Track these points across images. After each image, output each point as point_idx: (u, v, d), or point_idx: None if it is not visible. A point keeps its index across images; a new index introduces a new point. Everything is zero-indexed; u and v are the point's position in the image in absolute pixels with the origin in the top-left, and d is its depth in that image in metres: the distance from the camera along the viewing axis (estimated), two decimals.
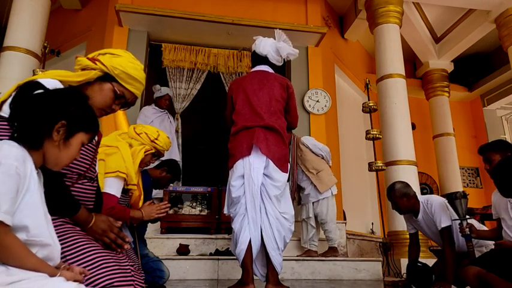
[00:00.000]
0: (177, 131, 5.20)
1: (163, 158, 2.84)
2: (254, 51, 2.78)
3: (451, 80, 7.52)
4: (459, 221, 2.67)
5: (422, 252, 3.49)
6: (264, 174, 2.45)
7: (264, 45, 2.73)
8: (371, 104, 4.84)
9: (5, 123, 1.20)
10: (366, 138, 4.92)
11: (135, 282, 1.35)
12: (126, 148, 2.14)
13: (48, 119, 1.06)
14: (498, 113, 7.94)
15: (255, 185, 2.40)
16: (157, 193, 4.39)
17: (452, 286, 2.68)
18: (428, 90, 7.49)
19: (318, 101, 5.45)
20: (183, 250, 3.76)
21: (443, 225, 2.78)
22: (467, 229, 2.60)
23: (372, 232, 6.19)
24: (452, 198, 2.69)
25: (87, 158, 1.41)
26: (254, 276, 2.42)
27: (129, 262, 1.43)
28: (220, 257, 3.56)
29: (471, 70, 7.86)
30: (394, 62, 5.03)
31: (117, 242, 1.42)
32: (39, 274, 0.95)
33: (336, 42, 6.41)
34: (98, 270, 1.24)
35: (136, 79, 1.48)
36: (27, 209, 0.98)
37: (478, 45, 7.04)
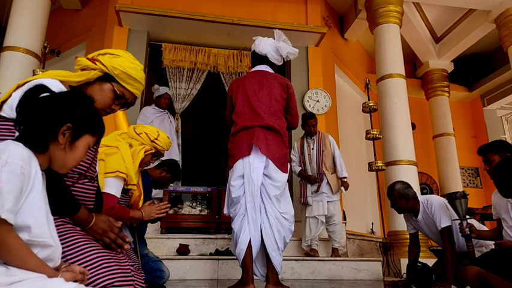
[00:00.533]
0: (177, 131, 5.20)
1: (163, 158, 2.84)
2: (254, 50, 2.78)
3: (451, 80, 7.53)
4: (459, 221, 2.67)
5: (422, 252, 3.48)
6: (263, 174, 2.45)
7: (264, 44, 2.73)
8: (371, 104, 4.84)
9: (5, 123, 1.20)
10: (366, 138, 4.92)
11: (135, 282, 1.35)
12: (126, 148, 2.14)
13: (53, 123, 1.07)
14: (498, 113, 7.94)
15: (255, 185, 2.40)
16: (157, 193, 4.39)
17: (452, 286, 2.68)
18: (428, 90, 7.49)
19: (318, 101, 5.46)
20: (183, 250, 3.76)
21: (443, 225, 2.78)
22: (467, 229, 2.60)
23: (372, 232, 6.19)
24: (452, 198, 2.69)
25: (87, 157, 1.41)
26: (254, 276, 2.42)
27: (129, 262, 1.43)
28: (220, 257, 3.56)
29: (471, 70, 7.86)
30: (394, 62, 5.03)
31: (117, 242, 1.42)
32: (39, 275, 0.95)
33: (336, 42, 6.41)
34: (98, 270, 1.24)
35: (136, 79, 1.48)
36: (30, 208, 0.98)
37: (478, 45, 7.04)
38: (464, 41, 6.54)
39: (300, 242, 4.21)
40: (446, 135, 7.17)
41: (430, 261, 3.22)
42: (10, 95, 1.26)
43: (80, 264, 1.21)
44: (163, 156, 2.57)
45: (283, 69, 5.57)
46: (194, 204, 4.53)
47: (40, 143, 1.05)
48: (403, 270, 3.84)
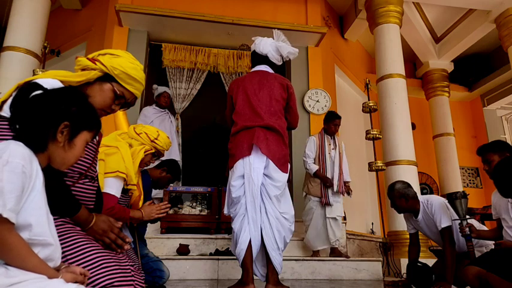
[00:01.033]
0: (177, 131, 5.20)
1: (163, 158, 2.84)
2: (254, 51, 2.78)
3: (451, 80, 7.53)
4: (459, 221, 2.67)
5: (422, 252, 3.48)
6: (264, 174, 2.45)
7: (264, 44, 2.73)
8: (371, 104, 4.84)
9: (6, 122, 1.20)
10: (366, 138, 4.92)
11: (135, 282, 1.35)
12: (126, 148, 2.14)
13: (51, 121, 1.07)
14: (498, 113, 7.94)
15: (255, 185, 2.40)
16: (157, 193, 4.39)
17: (452, 286, 2.68)
18: (428, 90, 7.49)
19: (318, 101, 5.46)
20: (183, 250, 3.76)
21: (443, 225, 2.79)
22: (467, 229, 2.60)
23: (372, 232, 6.19)
24: (452, 198, 2.69)
25: (88, 157, 1.41)
26: (254, 276, 2.42)
27: (129, 262, 1.43)
28: (220, 257, 3.56)
29: (471, 70, 7.86)
30: (394, 62, 5.03)
31: (117, 242, 1.42)
32: (39, 276, 0.95)
33: (336, 42, 6.41)
34: (98, 270, 1.24)
35: (136, 79, 1.48)
36: (32, 207, 0.98)
37: (478, 45, 7.04)
38: (464, 41, 6.54)
39: (301, 241, 4.20)
40: (446, 135, 7.17)
41: (430, 261, 3.22)
42: (10, 95, 1.26)
43: (79, 264, 1.21)
44: (163, 156, 2.57)
45: (283, 69, 5.57)
46: (194, 204, 4.53)
47: (39, 142, 1.05)
48: (403, 270, 3.84)
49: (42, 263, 0.99)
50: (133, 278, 1.34)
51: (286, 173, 2.52)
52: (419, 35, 6.67)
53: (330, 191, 3.97)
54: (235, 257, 2.48)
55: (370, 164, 4.71)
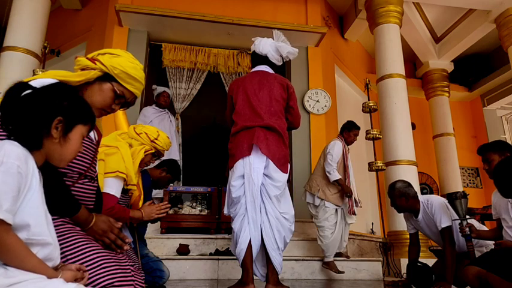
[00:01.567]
0: (177, 131, 5.20)
1: (163, 158, 2.84)
2: (254, 51, 2.78)
3: (451, 80, 7.52)
4: (459, 221, 2.67)
5: (422, 252, 3.48)
6: (264, 174, 2.45)
7: (264, 44, 2.73)
8: (371, 104, 4.84)
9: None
10: (366, 138, 4.92)
11: (135, 282, 1.35)
12: (126, 148, 2.14)
13: (44, 118, 1.06)
14: (498, 113, 7.94)
15: (255, 185, 2.40)
16: (157, 193, 4.39)
17: (452, 286, 2.68)
18: (428, 90, 7.49)
19: (318, 101, 5.46)
20: (183, 250, 3.76)
21: (443, 225, 2.78)
22: (467, 229, 2.60)
23: (372, 232, 6.19)
24: (452, 198, 2.69)
25: (87, 157, 1.41)
26: (254, 276, 2.42)
27: (129, 262, 1.43)
28: (220, 257, 3.56)
29: (471, 70, 7.86)
30: (394, 62, 5.03)
31: (116, 242, 1.41)
32: (38, 276, 0.95)
33: (336, 42, 6.41)
34: (98, 270, 1.24)
35: (136, 79, 1.48)
36: (29, 207, 0.98)
37: (478, 45, 7.04)
38: (464, 41, 6.54)
39: (301, 241, 4.20)
40: (446, 135, 7.17)
41: (430, 261, 3.22)
42: None
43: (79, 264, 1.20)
44: (163, 156, 2.57)
45: (283, 69, 5.57)
46: (194, 204, 4.52)
47: (34, 140, 1.04)
48: (403, 270, 3.84)
49: (41, 263, 0.99)
50: (133, 278, 1.34)
51: (286, 173, 2.51)
52: (419, 35, 6.67)
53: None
54: (235, 257, 2.48)
55: (370, 164, 4.71)
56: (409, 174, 4.45)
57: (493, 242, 2.55)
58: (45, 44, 4.64)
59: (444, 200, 2.88)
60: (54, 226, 1.12)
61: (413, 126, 6.85)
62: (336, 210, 3.80)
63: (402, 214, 3.24)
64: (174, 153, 4.71)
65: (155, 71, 5.66)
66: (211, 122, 7.25)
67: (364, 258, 4.04)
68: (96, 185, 1.49)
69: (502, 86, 7.53)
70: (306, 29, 5.40)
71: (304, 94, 5.42)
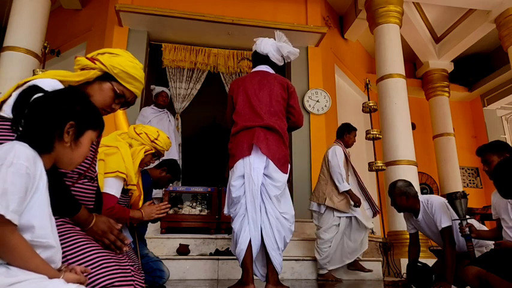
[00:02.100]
0: (177, 131, 5.20)
1: (163, 158, 2.84)
2: (255, 51, 2.78)
3: (451, 80, 7.52)
4: (459, 221, 2.67)
5: (422, 252, 3.48)
6: (264, 174, 2.45)
7: (265, 44, 2.73)
8: (371, 104, 4.84)
9: (5, 123, 1.20)
10: (366, 138, 4.92)
11: (135, 282, 1.35)
12: (126, 148, 2.14)
13: (56, 122, 1.07)
14: (498, 113, 7.94)
15: (255, 185, 2.40)
16: (157, 193, 4.39)
17: (452, 286, 2.68)
18: (428, 90, 7.49)
19: (318, 101, 5.46)
20: (183, 250, 3.76)
21: (443, 226, 2.78)
22: (467, 229, 2.60)
23: (372, 232, 6.18)
24: (452, 198, 2.69)
25: (88, 157, 1.41)
26: (254, 276, 2.42)
27: (129, 262, 1.43)
28: (220, 257, 3.56)
29: (471, 70, 7.86)
30: (394, 62, 5.03)
31: (116, 243, 1.41)
32: (39, 276, 0.95)
33: (336, 42, 6.41)
34: (98, 270, 1.24)
35: (136, 78, 1.48)
36: (35, 209, 0.98)
37: (478, 45, 7.04)
38: (464, 41, 6.54)
39: (301, 241, 4.20)
40: (446, 135, 7.17)
41: (430, 261, 3.22)
42: (10, 95, 1.26)
43: (80, 264, 1.20)
44: (163, 156, 2.57)
45: (283, 69, 5.57)
46: (194, 204, 4.52)
47: (46, 143, 1.05)
48: (403, 270, 3.84)
49: (44, 263, 0.99)
50: (133, 278, 1.34)
51: (286, 173, 2.51)
52: (419, 35, 6.67)
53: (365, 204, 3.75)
54: (235, 257, 2.48)
55: (370, 164, 4.71)
56: (409, 174, 4.45)
57: (493, 242, 2.55)
58: (45, 44, 4.64)
59: (444, 200, 2.88)
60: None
61: (413, 126, 6.85)
62: (339, 222, 3.65)
63: (402, 214, 3.25)
64: (173, 153, 4.71)
65: (155, 71, 5.66)
66: (211, 122, 7.25)
67: (364, 258, 4.04)
68: (96, 185, 1.49)
69: (502, 86, 7.53)
70: (306, 29, 5.40)
71: (304, 94, 5.42)
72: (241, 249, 2.36)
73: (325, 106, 5.46)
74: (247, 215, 2.40)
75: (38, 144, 1.03)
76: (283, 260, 2.53)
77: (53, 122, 1.07)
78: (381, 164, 4.64)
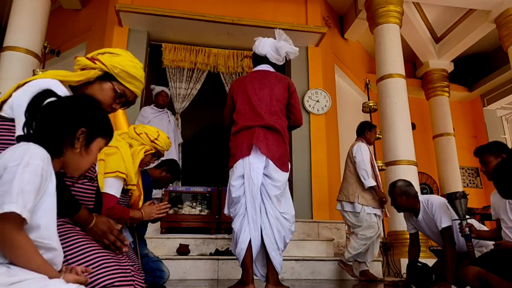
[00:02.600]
0: (177, 131, 5.19)
1: (163, 158, 2.84)
2: (254, 52, 2.78)
3: (451, 80, 7.52)
4: (459, 221, 2.67)
5: (422, 252, 3.48)
6: (264, 174, 2.45)
7: (264, 45, 2.73)
8: (371, 104, 4.84)
9: (5, 123, 1.20)
10: None
11: (135, 282, 1.35)
12: (126, 148, 2.14)
13: (68, 128, 1.09)
14: (498, 113, 7.94)
15: (255, 185, 2.40)
16: (157, 193, 4.39)
17: (452, 286, 2.68)
18: (428, 90, 7.49)
19: (318, 101, 5.46)
20: (183, 250, 3.76)
21: (443, 226, 2.78)
22: (467, 229, 2.60)
23: None
24: (452, 198, 2.69)
25: None
26: (254, 276, 2.42)
27: (129, 262, 1.43)
28: (220, 257, 3.56)
29: (471, 70, 7.86)
30: (394, 62, 5.03)
31: (116, 244, 1.42)
32: (40, 275, 0.95)
33: (336, 42, 6.41)
34: (98, 270, 1.24)
35: (136, 77, 1.48)
36: (42, 209, 0.99)
37: (478, 45, 7.04)
38: (464, 41, 6.54)
39: (301, 241, 4.19)
40: (446, 135, 7.17)
41: (430, 261, 3.22)
42: (10, 95, 1.26)
43: (80, 265, 1.21)
44: (163, 156, 2.57)
45: (284, 69, 5.57)
46: (194, 204, 4.52)
47: (56, 148, 1.07)
48: (403, 270, 3.84)
49: (46, 263, 1.00)
50: (133, 278, 1.34)
51: (287, 171, 2.51)
52: (419, 35, 6.66)
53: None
54: (235, 257, 2.48)
55: None
56: (409, 174, 4.44)
57: (493, 242, 2.56)
58: (45, 44, 4.64)
59: (444, 200, 2.88)
60: None
61: (413, 126, 6.85)
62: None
63: (402, 214, 3.24)
64: (173, 153, 4.71)
65: (155, 71, 5.66)
66: (211, 122, 7.25)
67: None
68: (96, 185, 1.49)
69: (502, 86, 7.53)
70: (306, 29, 5.40)
71: (304, 94, 5.42)
72: (241, 249, 2.36)
73: (325, 106, 5.46)
74: (247, 215, 2.40)
75: (49, 148, 1.04)
76: (283, 260, 2.53)
77: (65, 127, 1.08)
78: (381, 164, 4.65)
